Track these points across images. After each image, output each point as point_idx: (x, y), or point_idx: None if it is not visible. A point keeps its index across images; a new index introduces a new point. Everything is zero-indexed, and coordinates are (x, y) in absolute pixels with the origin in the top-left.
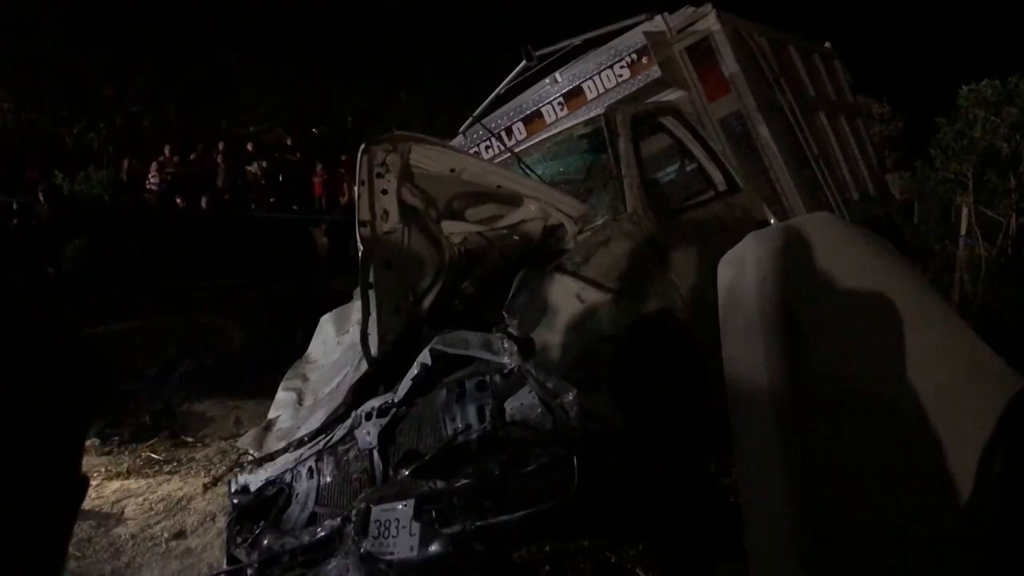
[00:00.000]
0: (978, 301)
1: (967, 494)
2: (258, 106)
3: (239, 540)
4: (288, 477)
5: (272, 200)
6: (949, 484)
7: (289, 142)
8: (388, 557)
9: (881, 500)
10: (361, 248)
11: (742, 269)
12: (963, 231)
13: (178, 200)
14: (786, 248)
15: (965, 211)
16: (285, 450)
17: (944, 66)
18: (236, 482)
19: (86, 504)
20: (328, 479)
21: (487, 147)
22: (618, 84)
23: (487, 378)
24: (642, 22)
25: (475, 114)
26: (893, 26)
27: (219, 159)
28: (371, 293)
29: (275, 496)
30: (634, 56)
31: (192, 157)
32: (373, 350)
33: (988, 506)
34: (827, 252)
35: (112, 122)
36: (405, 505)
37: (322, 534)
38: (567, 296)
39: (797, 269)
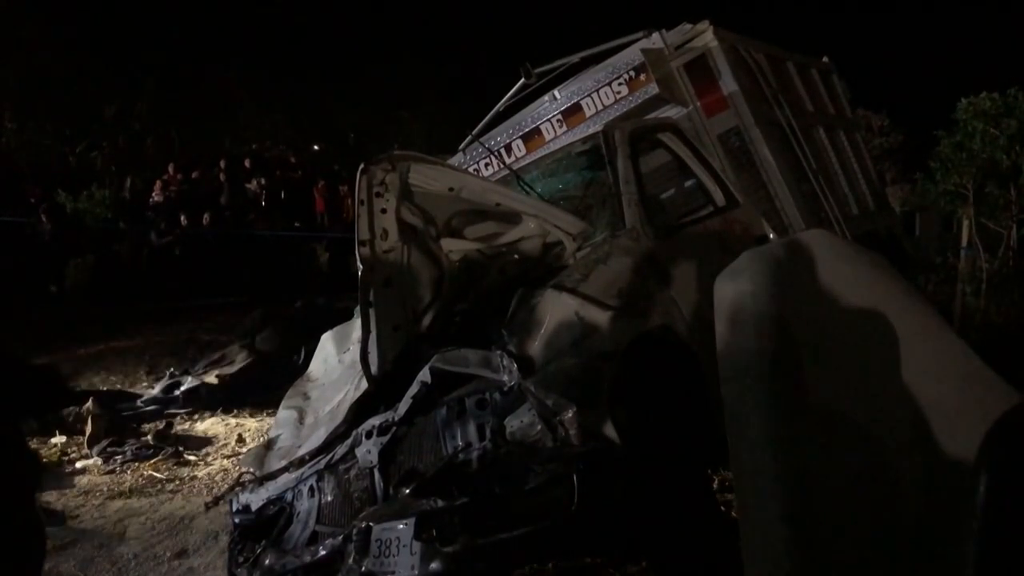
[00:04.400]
0: (980, 313)
1: (954, 519)
2: (260, 124)
3: (241, 559)
4: (289, 496)
5: (274, 217)
6: (938, 506)
7: (292, 160)
8: None
9: (875, 518)
10: (361, 267)
11: (738, 286)
12: (964, 243)
13: (182, 218)
14: (782, 265)
15: (966, 223)
16: (286, 469)
17: (943, 79)
18: (237, 501)
19: (88, 523)
20: (329, 498)
21: (487, 164)
22: (616, 101)
23: (487, 396)
24: (640, 39)
25: (474, 132)
26: (892, 40)
27: (221, 176)
28: (371, 312)
29: (276, 515)
30: (632, 73)
31: (194, 175)
32: (373, 368)
33: (971, 534)
34: (823, 269)
35: (115, 141)
36: (406, 524)
37: (323, 553)
38: (566, 313)
39: (793, 286)
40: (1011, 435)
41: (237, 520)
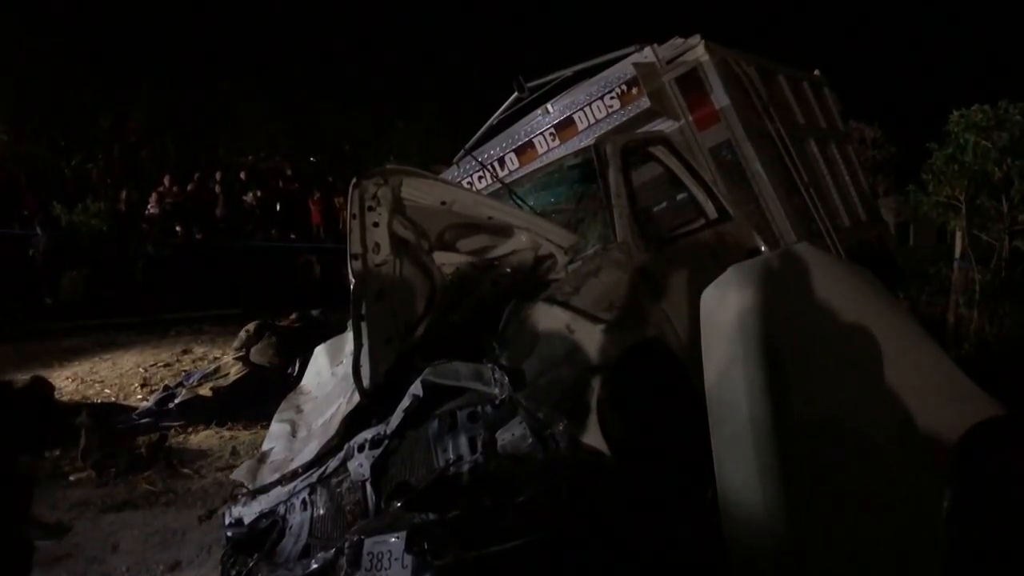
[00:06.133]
0: (973, 324)
1: (930, 525)
2: (256, 135)
3: (234, 573)
4: (282, 509)
5: (273, 231)
6: (917, 512)
7: (288, 171)
8: None
9: (858, 527)
10: (353, 281)
11: (723, 300)
12: (957, 254)
13: (177, 229)
14: (766, 280)
15: (959, 235)
16: (279, 482)
17: (935, 91)
18: (230, 515)
19: (82, 536)
20: (321, 511)
21: (480, 177)
22: (608, 115)
23: (478, 409)
24: (632, 53)
25: (467, 146)
26: (884, 53)
27: (217, 188)
28: (363, 325)
29: (269, 528)
30: (624, 87)
31: (189, 187)
32: (365, 381)
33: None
34: (806, 283)
35: (110, 153)
36: (397, 537)
37: (315, 566)
38: (557, 326)
39: (777, 300)
40: (975, 450)
41: (230, 533)
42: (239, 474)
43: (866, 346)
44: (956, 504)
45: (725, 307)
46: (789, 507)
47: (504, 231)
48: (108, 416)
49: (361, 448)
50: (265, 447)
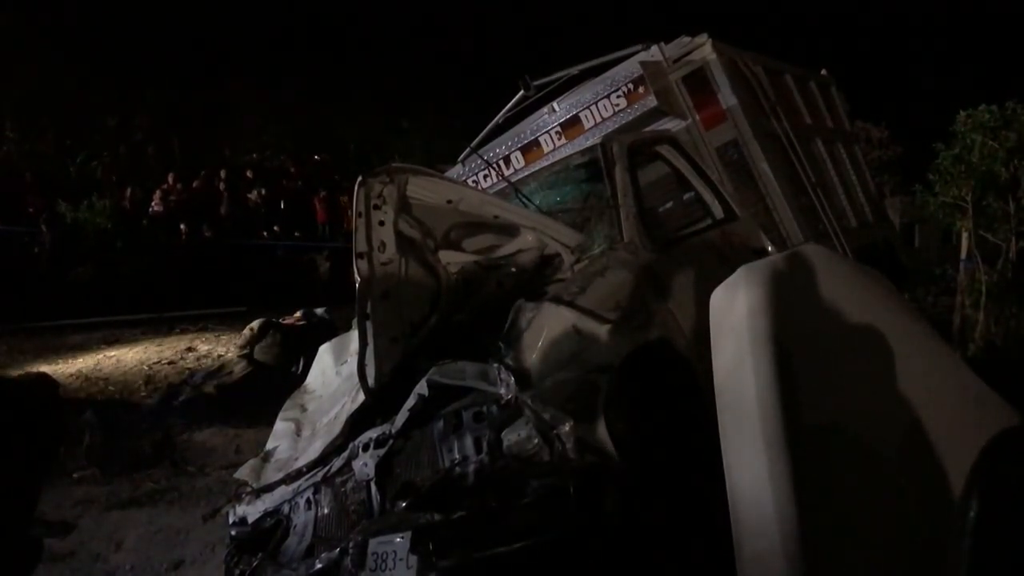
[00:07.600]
0: (979, 325)
1: (948, 535)
2: (261, 134)
3: (237, 572)
4: (286, 509)
5: (276, 229)
6: (934, 521)
7: (293, 170)
8: None
9: (871, 533)
10: (358, 279)
11: (733, 302)
12: (963, 255)
13: (182, 227)
14: (776, 281)
15: (965, 235)
16: (283, 481)
17: (942, 91)
18: (234, 513)
19: (86, 534)
20: (326, 511)
21: (486, 176)
22: (615, 113)
23: (484, 409)
24: (639, 52)
25: (473, 144)
26: (891, 52)
27: (221, 186)
28: (368, 324)
29: (273, 528)
30: (631, 86)
31: (194, 185)
32: (370, 381)
33: (962, 554)
34: (816, 284)
35: (115, 151)
36: (402, 537)
37: (319, 566)
38: (563, 326)
39: (787, 301)
40: (1002, 458)
41: (234, 532)
42: (243, 473)
43: (879, 349)
44: (983, 516)
45: (735, 308)
46: (799, 510)
47: (510, 230)
48: (113, 414)
49: (366, 448)
50: (269, 446)
